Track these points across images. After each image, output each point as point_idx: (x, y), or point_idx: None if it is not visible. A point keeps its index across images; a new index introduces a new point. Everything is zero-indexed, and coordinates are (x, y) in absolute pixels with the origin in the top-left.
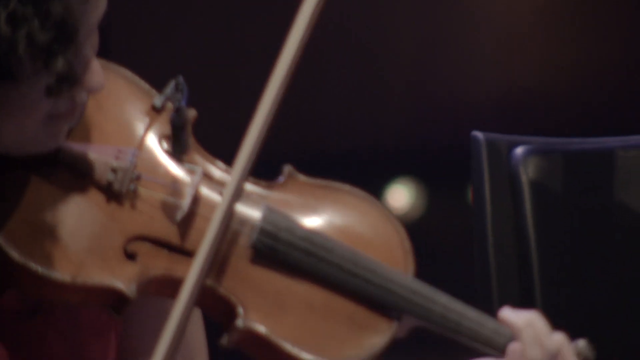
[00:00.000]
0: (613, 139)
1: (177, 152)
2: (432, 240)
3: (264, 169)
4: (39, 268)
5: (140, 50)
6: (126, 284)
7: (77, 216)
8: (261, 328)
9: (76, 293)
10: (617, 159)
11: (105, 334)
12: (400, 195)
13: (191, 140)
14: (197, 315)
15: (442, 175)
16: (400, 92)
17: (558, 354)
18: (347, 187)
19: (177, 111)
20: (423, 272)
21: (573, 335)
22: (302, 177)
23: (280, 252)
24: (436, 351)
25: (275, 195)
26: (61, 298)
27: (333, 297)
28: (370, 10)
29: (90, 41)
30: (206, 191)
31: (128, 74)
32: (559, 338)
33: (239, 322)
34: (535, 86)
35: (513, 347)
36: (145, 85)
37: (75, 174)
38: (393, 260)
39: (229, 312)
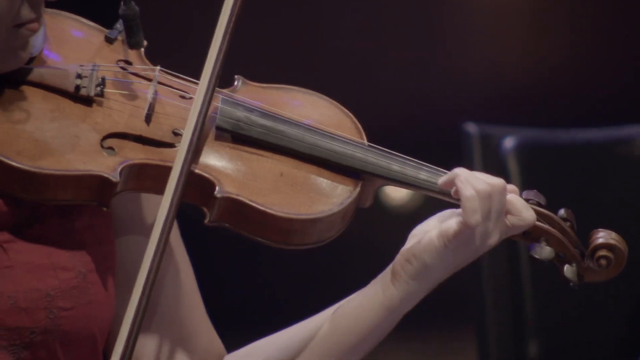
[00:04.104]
0: (603, 131)
1: (134, 44)
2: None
3: None
4: (26, 166)
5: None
6: (110, 171)
7: (53, 121)
8: (238, 195)
9: (65, 186)
10: (607, 150)
11: (105, 241)
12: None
13: (143, 39)
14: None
15: (434, 163)
16: (392, 83)
17: (502, 190)
18: (296, 87)
19: (125, 3)
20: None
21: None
22: (253, 83)
23: (243, 128)
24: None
25: (232, 93)
26: (52, 197)
27: (300, 164)
28: (362, 4)
29: None
30: (166, 87)
31: (81, 18)
32: (498, 180)
33: (217, 193)
34: (527, 77)
35: (459, 177)
36: (96, 25)
37: (45, 87)
38: (349, 135)
39: (207, 188)
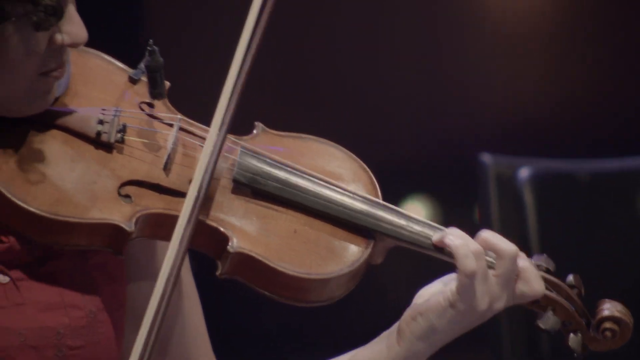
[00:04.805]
0: (619, 161)
1: (157, 95)
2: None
3: None
4: (42, 212)
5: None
6: (124, 221)
7: (73, 166)
8: (250, 250)
9: (80, 233)
10: (623, 181)
11: (117, 280)
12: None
13: (165, 89)
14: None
15: (450, 194)
16: (408, 115)
17: (514, 256)
18: (313, 136)
19: (150, 54)
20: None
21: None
22: (272, 131)
23: (260, 182)
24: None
25: (250, 143)
26: (66, 241)
27: (313, 221)
28: (378, 37)
29: None
30: (186, 136)
31: (105, 55)
32: (510, 245)
33: (230, 248)
34: (542, 108)
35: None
36: (120, 63)
37: (67, 131)
38: (364, 191)
39: (220, 241)
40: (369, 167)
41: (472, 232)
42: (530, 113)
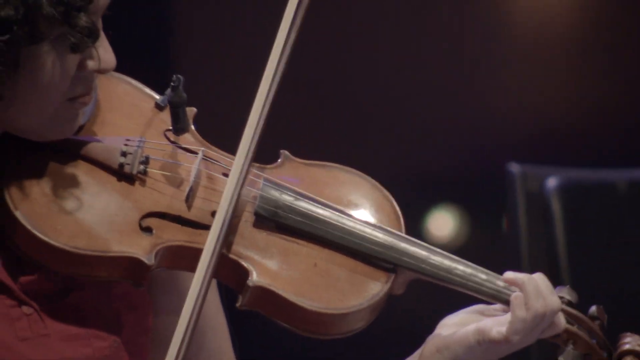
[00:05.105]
0: None
1: (179, 130)
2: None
3: None
4: (63, 245)
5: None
6: (144, 254)
7: (94, 197)
8: (270, 285)
9: (100, 265)
10: None
11: (140, 308)
12: (439, 224)
13: (190, 123)
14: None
15: (478, 203)
16: (435, 125)
17: (556, 312)
18: (338, 165)
19: (173, 90)
20: (457, 295)
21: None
22: (297, 159)
23: (281, 216)
24: None
25: (274, 172)
26: (87, 273)
27: (334, 255)
28: (414, 48)
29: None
30: (209, 169)
31: (132, 80)
32: (557, 301)
33: (249, 282)
34: (570, 117)
35: (516, 295)
36: (148, 89)
37: (90, 161)
38: (387, 222)
39: (240, 274)
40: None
41: (499, 241)
42: (558, 122)
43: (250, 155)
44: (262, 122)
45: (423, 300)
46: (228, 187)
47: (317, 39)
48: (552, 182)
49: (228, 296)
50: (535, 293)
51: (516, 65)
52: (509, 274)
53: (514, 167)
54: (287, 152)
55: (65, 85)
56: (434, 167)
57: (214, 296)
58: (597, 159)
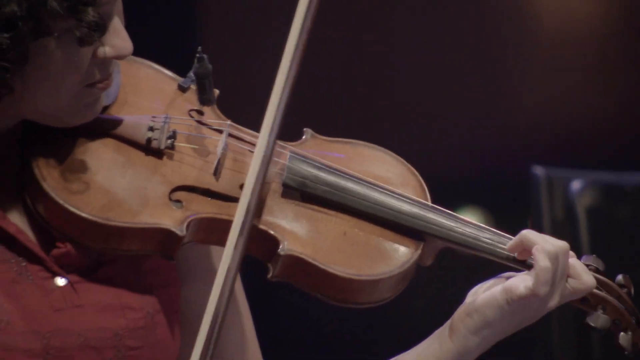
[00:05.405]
0: None
1: (205, 101)
2: (492, 270)
3: None
4: (94, 217)
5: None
6: (176, 225)
7: (124, 173)
8: (301, 253)
9: (131, 238)
10: None
11: (171, 284)
12: None
13: (214, 96)
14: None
15: (503, 206)
16: (459, 127)
17: (567, 253)
18: (362, 141)
19: (199, 61)
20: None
21: None
22: (321, 136)
23: (309, 186)
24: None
25: (299, 147)
26: (118, 246)
27: (363, 224)
28: (440, 47)
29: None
30: (235, 141)
31: (153, 64)
32: (562, 242)
33: (280, 251)
34: (594, 120)
35: (537, 247)
36: (169, 72)
37: (118, 138)
38: (414, 195)
39: (271, 244)
40: (421, 177)
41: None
42: (583, 125)
43: (275, 128)
44: (286, 94)
45: (449, 283)
46: (255, 158)
47: (347, 16)
48: (576, 185)
49: (248, 280)
50: (551, 239)
51: (541, 68)
52: (511, 244)
53: (539, 170)
54: (310, 130)
55: (79, 75)
56: (459, 170)
57: (237, 283)
58: (622, 162)
